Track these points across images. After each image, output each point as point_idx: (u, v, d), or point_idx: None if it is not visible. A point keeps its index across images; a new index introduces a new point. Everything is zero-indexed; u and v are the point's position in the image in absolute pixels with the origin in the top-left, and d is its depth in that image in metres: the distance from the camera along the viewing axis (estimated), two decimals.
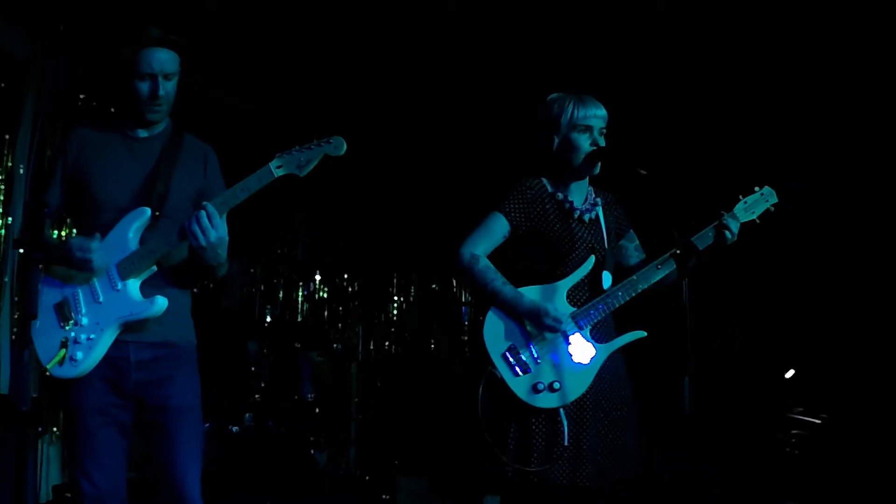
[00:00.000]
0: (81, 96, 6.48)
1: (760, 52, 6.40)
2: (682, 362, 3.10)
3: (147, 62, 3.37)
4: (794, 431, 6.65)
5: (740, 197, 3.75)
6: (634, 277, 3.60)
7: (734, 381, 7.02)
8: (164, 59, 3.40)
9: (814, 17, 5.97)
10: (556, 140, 3.68)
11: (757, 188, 3.79)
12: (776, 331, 6.93)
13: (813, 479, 6.31)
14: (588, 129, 3.65)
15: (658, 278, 3.60)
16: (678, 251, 3.49)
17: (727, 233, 3.64)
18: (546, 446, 3.44)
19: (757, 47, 6.36)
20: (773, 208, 3.78)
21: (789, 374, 6.92)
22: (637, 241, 3.93)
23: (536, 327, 3.49)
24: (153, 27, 3.42)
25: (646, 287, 3.59)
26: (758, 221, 3.75)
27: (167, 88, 3.43)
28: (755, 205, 3.75)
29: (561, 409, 3.45)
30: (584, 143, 3.65)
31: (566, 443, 3.42)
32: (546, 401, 3.44)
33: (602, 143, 3.67)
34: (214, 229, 3.22)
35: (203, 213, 3.21)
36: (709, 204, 3.79)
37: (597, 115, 3.67)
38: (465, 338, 9.32)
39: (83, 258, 3.24)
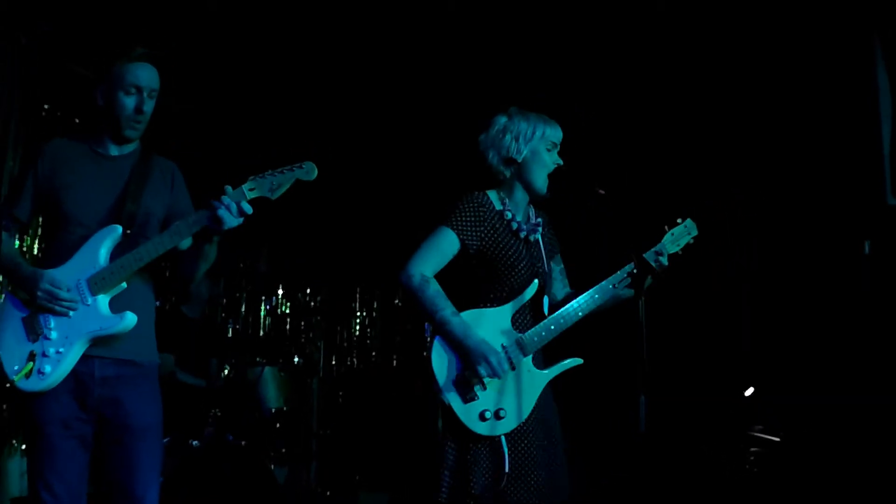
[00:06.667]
0: (45, 107, 6.46)
1: (740, 66, 6.50)
2: (637, 381, 3.12)
3: (136, 75, 3.42)
4: (752, 449, 6.70)
5: (666, 228, 3.75)
6: (575, 305, 3.58)
7: (692, 399, 7.07)
8: (151, 77, 3.46)
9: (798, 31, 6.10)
10: (525, 152, 3.66)
11: (679, 220, 3.78)
12: (735, 349, 6.99)
13: (772, 496, 6.36)
14: (555, 147, 3.67)
15: (600, 304, 3.60)
16: (634, 271, 3.51)
17: (655, 269, 3.65)
18: (489, 474, 3.42)
19: (740, 62, 6.46)
20: (692, 241, 3.79)
21: (748, 392, 6.98)
22: (562, 266, 3.92)
23: (475, 366, 3.41)
24: (141, 45, 3.47)
25: (588, 313, 3.59)
26: (680, 253, 3.76)
27: (149, 106, 3.47)
28: (680, 237, 3.76)
29: (502, 437, 3.43)
30: (549, 162, 3.66)
31: (507, 469, 3.40)
32: (491, 428, 3.41)
33: (561, 162, 3.69)
34: (235, 216, 3.26)
35: (225, 197, 3.25)
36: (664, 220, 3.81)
37: (559, 134, 3.69)
38: (426, 354, 9.32)
39: (49, 290, 3.26)
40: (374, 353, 9.41)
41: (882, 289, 6.00)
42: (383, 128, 7.79)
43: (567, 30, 6.50)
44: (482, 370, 3.40)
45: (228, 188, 3.28)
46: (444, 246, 3.58)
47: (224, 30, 6.43)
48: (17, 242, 3.60)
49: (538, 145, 3.66)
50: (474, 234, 3.60)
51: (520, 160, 3.68)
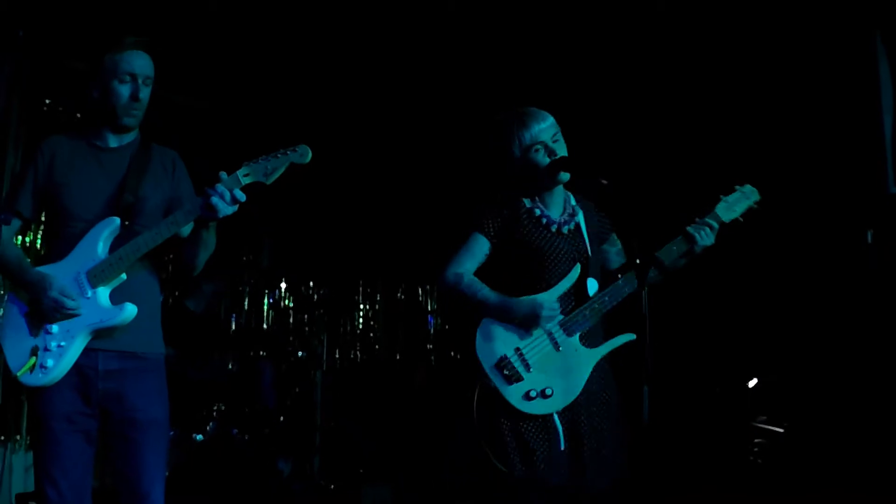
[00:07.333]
0: (46, 102, 6.45)
1: (751, 58, 6.49)
2: (641, 371, 3.13)
3: (130, 63, 3.40)
4: (756, 440, 6.71)
5: (721, 196, 3.74)
6: (620, 282, 3.61)
7: (697, 389, 7.08)
8: (144, 64, 3.44)
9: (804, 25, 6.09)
10: (515, 164, 3.68)
11: (738, 186, 3.77)
12: (739, 340, 6.98)
13: (776, 487, 6.37)
14: (541, 144, 3.64)
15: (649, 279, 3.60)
16: (638, 262, 3.50)
17: (694, 246, 3.64)
18: (542, 451, 3.47)
19: (749, 54, 6.46)
20: (756, 206, 3.76)
21: (752, 383, 6.98)
22: (619, 246, 3.92)
23: (532, 323, 3.50)
24: (132, 34, 3.46)
25: (633, 290, 3.59)
26: (741, 220, 3.74)
27: (145, 94, 3.45)
28: (737, 203, 3.74)
29: (555, 415, 3.49)
30: (542, 160, 3.64)
31: (562, 447, 3.46)
32: (539, 407, 3.47)
33: (560, 149, 3.65)
34: (228, 203, 3.24)
35: (219, 185, 3.23)
36: (683, 208, 3.79)
37: (541, 127, 3.64)
38: (430, 346, 9.34)
39: (56, 298, 3.26)
40: (377, 346, 9.41)
41: (885, 276, 6.00)
42: (385, 121, 7.79)
43: (568, 29, 6.49)
44: (543, 313, 3.48)
45: (223, 174, 3.26)
46: (475, 249, 3.69)
47: (228, 23, 6.41)
48: (20, 239, 3.59)
49: (524, 154, 3.66)
50: (503, 234, 3.69)
51: (516, 172, 3.71)
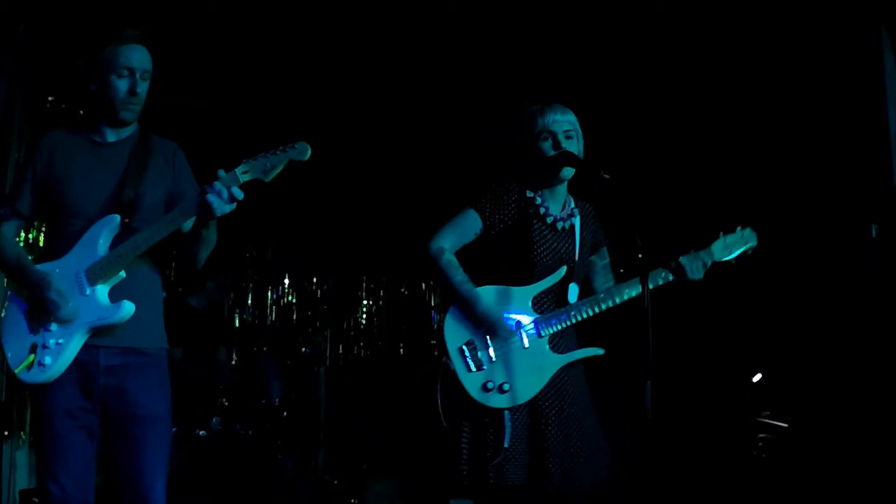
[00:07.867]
0: (50, 98, 6.45)
1: (759, 58, 6.48)
2: (643, 366, 3.12)
3: (127, 57, 3.39)
4: (760, 435, 6.70)
5: (721, 234, 3.73)
6: (602, 295, 3.61)
7: (702, 385, 7.07)
8: (143, 58, 3.43)
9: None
10: (524, 148, 3.70)
11: (739, 227, 3.76)
12: (743, 335, 6.98)
13: (779, 482, 6.36)
14: (551, 134, 3.65)
15: (627, 297, 3.60)
16: (640, 256, 3.50)
17: (683, 278, 3.65)
18: (489, 447, 3.47)
19: (755, 53, 6.45)
20: (750, 252, 3.76)
21: (756, 377, 6.98)
22: (608, 260, 3.92)
23: (485, 332, 3.51)
24: (130, 28, 3.45)
25: (612, 305, 3.59)
26: (733, 263, 3.74)
27: (143, 88, 3.44)
28: (734, 244, 3.74)
29: (506, 412, 3.48)
30: (547, 149, 3.65)
31: (506, 444, 3.44)
32: (493, 400, 3.47)
33: (568, 146, 3.65)
34: (226, 201, 3.22)
35: (217, 182, 3.21)
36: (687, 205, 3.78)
37: (557, 119, 3.66)
38: (433, 342, 9.33)
39: (54, 300, 3.26)
40: (380, 342, 9.42)
41: (889, 271, 6.00)
42: (389, 117, 7.78)
43: (568, 28, 6.49)
44: (489, 336, 3.50)
45: (221, 172, 3.25)
46: (466, 225, 3.68)
47: (228, 23, 6.40)
48: (23, 235, 3.59)
49: (534, 141, 3.68)
50: (498, 216, 3.68)
51: (525, 159, 3.73)
